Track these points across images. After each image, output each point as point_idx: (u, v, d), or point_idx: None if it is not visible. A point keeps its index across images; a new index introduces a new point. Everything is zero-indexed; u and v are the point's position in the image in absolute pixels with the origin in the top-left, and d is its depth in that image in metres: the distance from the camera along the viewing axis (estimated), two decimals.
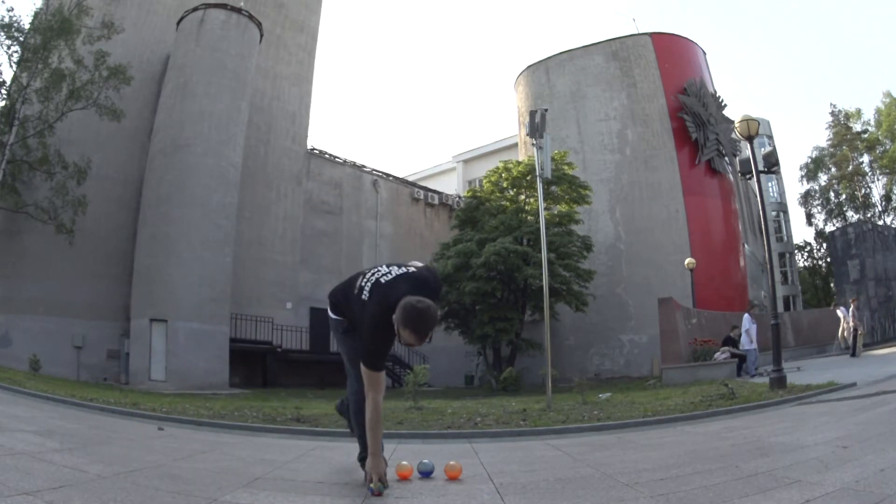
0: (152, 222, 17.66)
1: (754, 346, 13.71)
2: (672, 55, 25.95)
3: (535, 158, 10.93)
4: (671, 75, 25.32)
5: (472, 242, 20.08)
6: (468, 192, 27.64)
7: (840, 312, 16.14)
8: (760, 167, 12.30)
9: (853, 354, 14.41)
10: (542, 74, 27.91)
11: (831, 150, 38.35)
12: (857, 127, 37.31)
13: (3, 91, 16.98)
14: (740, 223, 26.52)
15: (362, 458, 3.31)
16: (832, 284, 32.50)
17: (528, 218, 20.59)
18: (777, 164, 30.67)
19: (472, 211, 22.67)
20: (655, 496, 2.72)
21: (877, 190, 37.02)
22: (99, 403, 8.40)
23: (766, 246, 10.90)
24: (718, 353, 13.90)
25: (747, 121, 10.22)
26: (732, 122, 22.70)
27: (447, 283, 18.80)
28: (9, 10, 21.87)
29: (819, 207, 39.76)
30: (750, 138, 10.37)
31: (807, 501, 2.39)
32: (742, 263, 25.54)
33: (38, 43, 16.51)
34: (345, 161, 25.95)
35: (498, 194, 22.37)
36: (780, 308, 29.01)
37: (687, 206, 23.84)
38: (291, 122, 23.94)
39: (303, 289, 22.78)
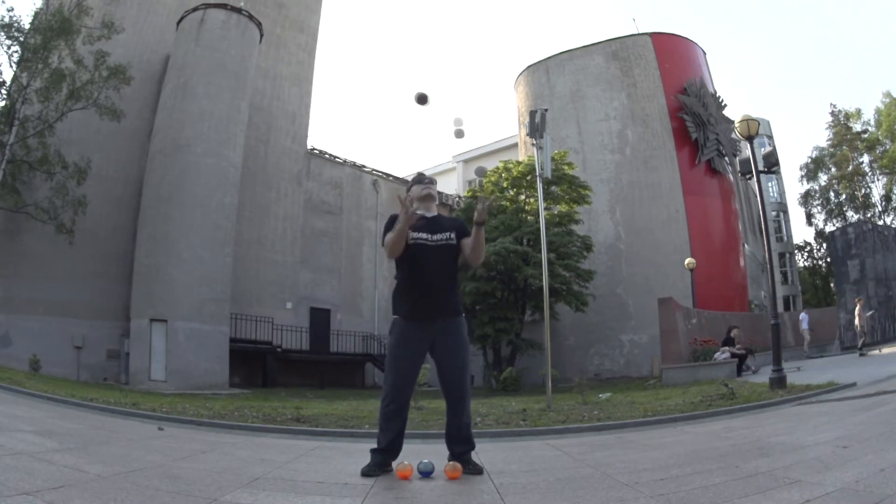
0: (152, 222, 17.65)
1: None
2: (672, 55, 25.94)
3: (535, 158, 10.94)
4: (671, 75, 25.31)
5: None
6: (468, 192, 27.64)
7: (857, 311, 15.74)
8: (760, 167, 12.32)
9: (861, 352, 14.43)
10: (542, 74, 27.91)
11: (831, 150, 38.38)
12: (857, 127, 37.35)
13: (3, 91, 16.97)
14: (740, 223, 26.52)
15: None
16: (832, 284, 32.46)
17: (528, 218, 20.59)
18: (777, 164, 30.72)
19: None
20: (655, 496, 2.72)
21: (877, 190, 37.10)
22: (99, 403, 8.40)
23: (766, 246, 10.89)
24: (718, 353, 13.89)
25: (747, 121, 10.22)
26: (732, 122, 22.71)
27: None
28: (9, 10, 21.87)
29: (819, 207, 39.83)
30: (750, 138, 10.36)
31: (807, 501, 2.38)
32: (742, 263, 25.54)
33: (38, 43, 16.49)
34: (345, 161, 25.95)
35: (498, 194, 22.37)
36: (780, 308, 28.99)
37: (687, 206, 23.83)
38: (291, 122, 23.93)
39: (303, 289, 22.79)
